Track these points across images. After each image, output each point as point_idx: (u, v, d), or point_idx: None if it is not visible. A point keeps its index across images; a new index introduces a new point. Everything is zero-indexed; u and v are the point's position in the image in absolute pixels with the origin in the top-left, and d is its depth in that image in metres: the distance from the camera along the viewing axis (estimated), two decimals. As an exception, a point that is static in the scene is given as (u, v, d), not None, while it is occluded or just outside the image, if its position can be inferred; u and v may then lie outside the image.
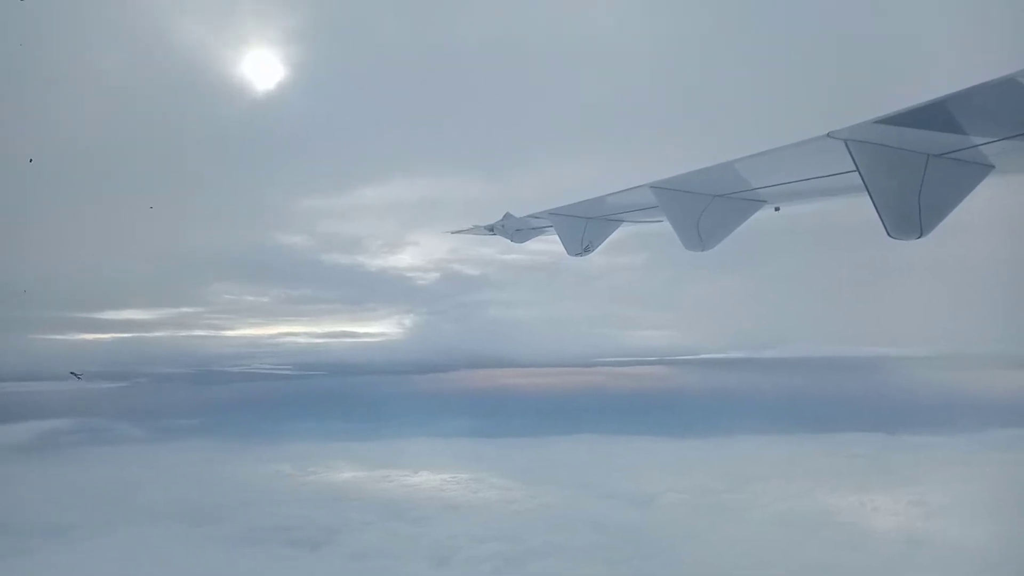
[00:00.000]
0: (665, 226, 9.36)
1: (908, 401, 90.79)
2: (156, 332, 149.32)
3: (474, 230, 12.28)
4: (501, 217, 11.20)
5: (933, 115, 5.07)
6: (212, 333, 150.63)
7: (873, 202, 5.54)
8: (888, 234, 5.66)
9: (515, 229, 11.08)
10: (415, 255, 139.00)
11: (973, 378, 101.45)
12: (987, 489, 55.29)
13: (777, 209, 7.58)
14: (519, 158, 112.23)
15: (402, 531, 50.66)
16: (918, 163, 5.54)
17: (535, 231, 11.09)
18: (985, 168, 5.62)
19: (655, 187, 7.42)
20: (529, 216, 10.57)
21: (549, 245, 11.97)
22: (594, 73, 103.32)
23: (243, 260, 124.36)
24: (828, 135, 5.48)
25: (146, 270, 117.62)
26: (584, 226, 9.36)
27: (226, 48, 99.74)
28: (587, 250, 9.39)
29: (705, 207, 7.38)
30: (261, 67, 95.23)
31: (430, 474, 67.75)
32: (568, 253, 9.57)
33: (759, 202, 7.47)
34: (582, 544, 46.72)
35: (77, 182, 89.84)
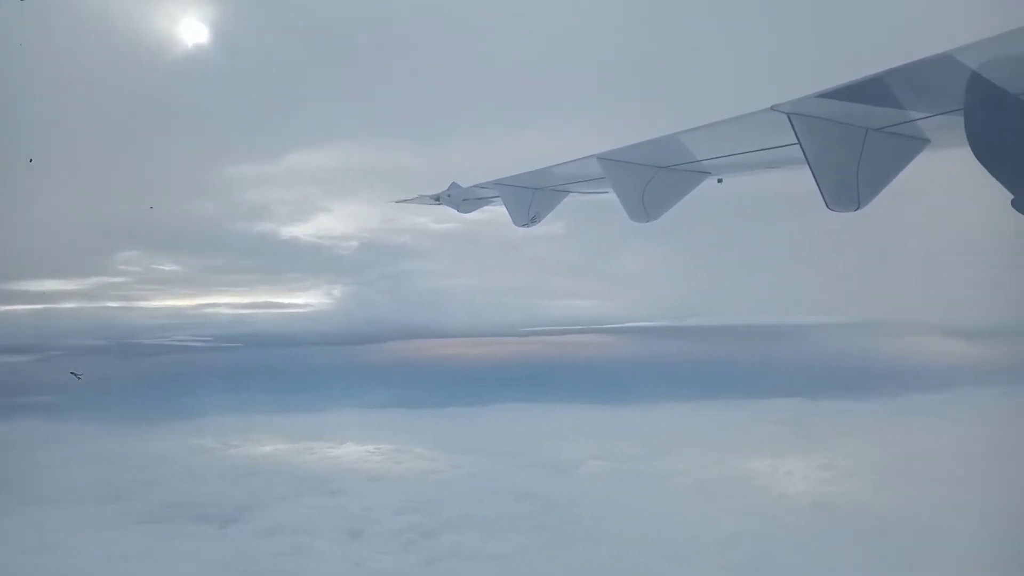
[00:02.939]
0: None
1: (830, 367, 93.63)
2: (68, 303, 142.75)
3: (419, 199, 12.14)
4: (447, 187, 11.13)
5: (872, 90, 5.21)
6: (129, 304, 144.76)
7: (813, 174, 5.71)
8: (827, 206, 5.84)
9: (461, 199, 11.04)
10: (344, 224, 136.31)
11: (893, 345, 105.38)
12: (896, 453, 58.04)
13: (720, 181, 7.76)
14: (456, 128, 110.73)
15: (318, 504, 50.02)
16: (857, 137, 5.71)
17: (481, 201, 11.07)
18: (921, 142, 5.82)
19: (602, 158, 7.50)
20: (476, 186, 10.48)
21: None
22: (535, 42, 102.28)
23: (159, 229, 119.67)
24: (771, 108, 5.60)
25: (56, 239, 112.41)
26: (531, 196, 9.40)
27: (140, 6, 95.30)
28: (534, 220, 9.42)
29: (650, 178, 7.50)
30: (179, 27, 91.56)
31: (354, 445, 67.06)
32: (515, 224, 9.56)
33: (703, 174, 7.62)
34: (500, 514, 46.97)
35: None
